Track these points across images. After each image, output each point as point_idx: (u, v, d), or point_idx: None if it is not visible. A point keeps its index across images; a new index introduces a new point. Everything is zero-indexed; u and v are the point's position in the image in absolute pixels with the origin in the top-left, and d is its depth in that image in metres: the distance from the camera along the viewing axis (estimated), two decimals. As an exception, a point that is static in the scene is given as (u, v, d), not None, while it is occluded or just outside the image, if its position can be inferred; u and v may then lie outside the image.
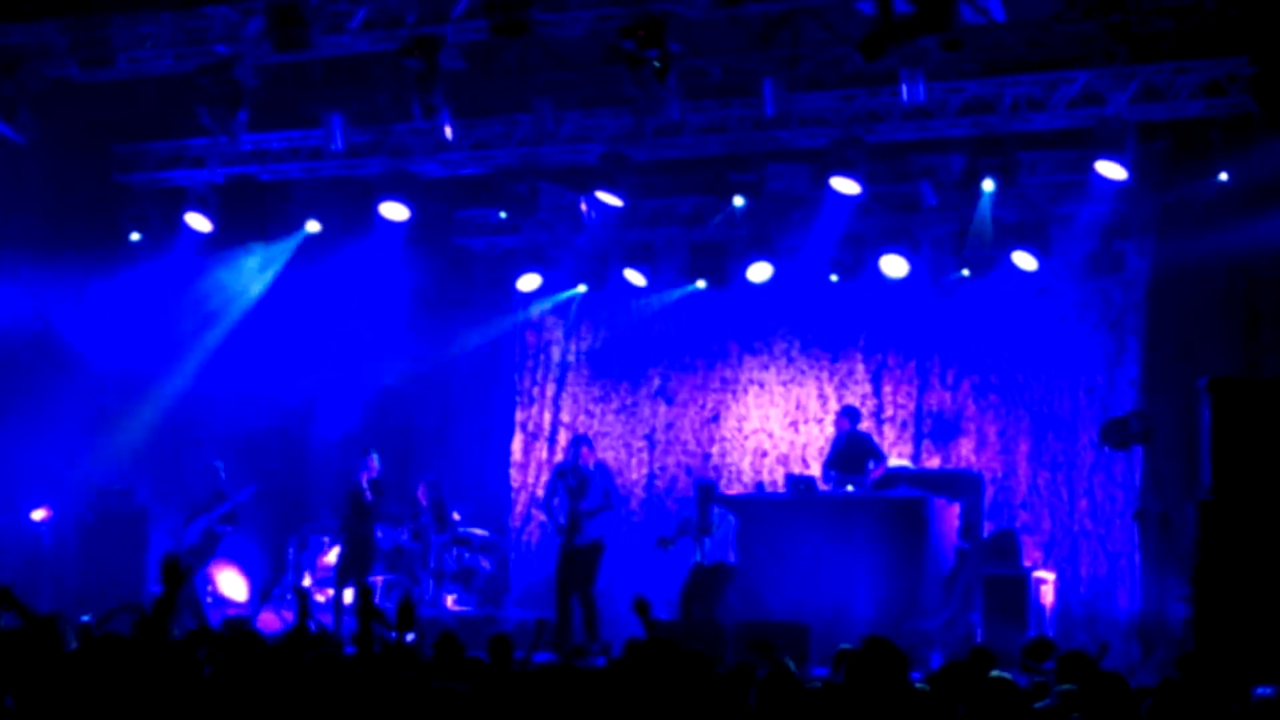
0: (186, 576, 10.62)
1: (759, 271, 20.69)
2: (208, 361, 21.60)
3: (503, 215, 21.34)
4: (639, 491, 21.92)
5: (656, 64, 15.36)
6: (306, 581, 20.58)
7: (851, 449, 19.26)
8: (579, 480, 18.41)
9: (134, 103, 19.40)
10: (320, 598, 19.93)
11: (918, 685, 9.49)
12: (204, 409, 21.48)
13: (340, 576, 19.38)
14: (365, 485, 19.34)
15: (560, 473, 18.80)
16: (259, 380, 21.83)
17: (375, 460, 19.53)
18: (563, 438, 22.36)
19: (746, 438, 21.82)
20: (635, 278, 21.45)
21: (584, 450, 18.60)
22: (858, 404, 20.69)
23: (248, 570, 21.35)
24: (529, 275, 21.91)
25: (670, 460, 22.17)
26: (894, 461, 19.75)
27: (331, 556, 20.63)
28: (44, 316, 19.91)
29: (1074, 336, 20.12)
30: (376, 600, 19.51)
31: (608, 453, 21.43)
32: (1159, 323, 19.43)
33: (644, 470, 22.09)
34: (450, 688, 8.35)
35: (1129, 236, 19.26)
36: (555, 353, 23.02)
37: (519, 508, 22.75)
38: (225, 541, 20.05)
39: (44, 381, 19.93)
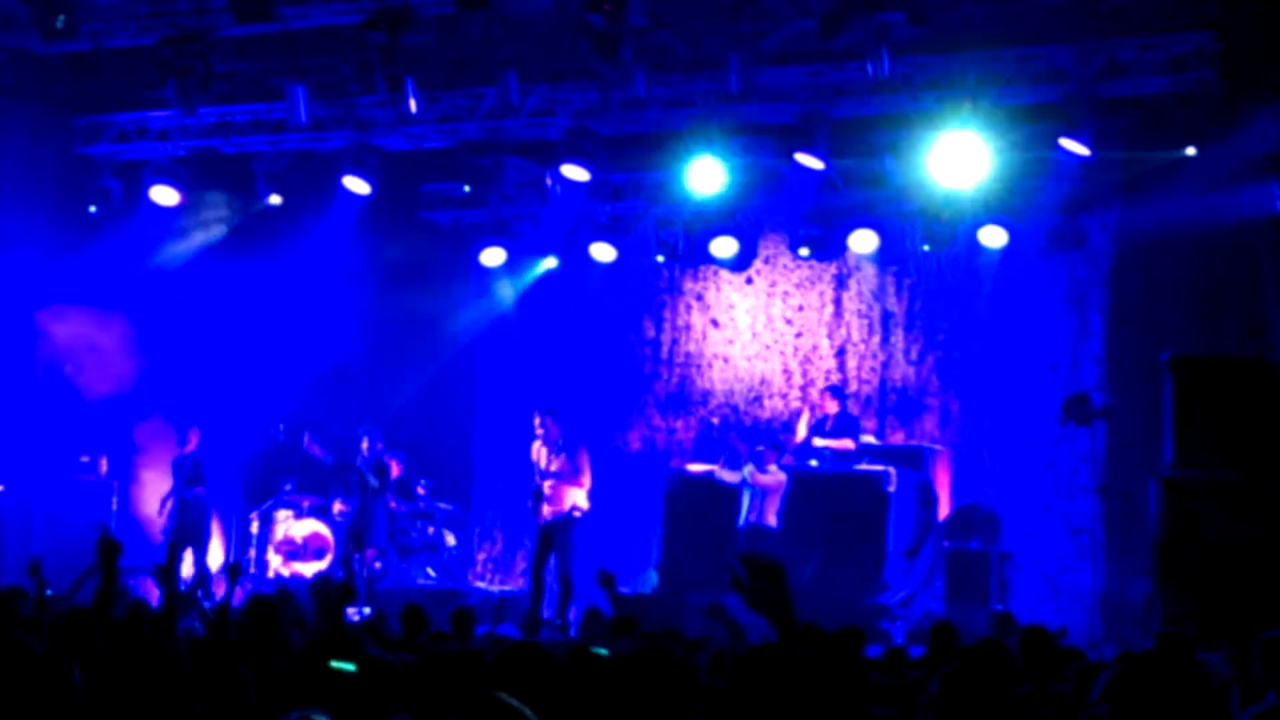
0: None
1: (723, 246, 20.68)
2: (168, 334, 21.50)
3: (467, 189, 21.26)
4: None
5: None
6: (268, 558, 20.63)
7: (842, 429, 19.35)
8: (548, 453, 18.24)
9: (96, 75, 19.31)
10: (285, 571, 20.00)
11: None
12: (167, 382, 21.37)
13: (344, 550, 19.41)
14: (367, 469, 19.28)
15: (533, 445, 18.63)
16: (221, 354, 21.73)
17: (368, 443, 19.50)
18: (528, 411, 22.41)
19: (711, 411, 21.82)
20: (602, 252, 21.41)
21: (550, 422, 18.42)
22: (821, 380, 20.76)
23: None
24: (492, 249, 21.84)
25: (634, 435, 22.18)
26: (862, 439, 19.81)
27: (292, 529, 20.68)
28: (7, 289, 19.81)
29: (1038, 312, 20.14)
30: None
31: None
32: (1123, 299, 19.46)
33: (604, 446, 22.09)
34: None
35: (1092, 213, 19.27)
36: (520, 327, 22.98)
37: (483, 481, 22.73)
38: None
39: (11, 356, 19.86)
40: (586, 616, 12.99)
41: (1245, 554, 15.38)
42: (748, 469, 18.14)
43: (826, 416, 19.56)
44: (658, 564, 19.53)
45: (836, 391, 19.89)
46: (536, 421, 18.30)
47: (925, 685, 7.26)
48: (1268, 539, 15.36)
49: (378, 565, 19.57)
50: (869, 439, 19.98)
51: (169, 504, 19.42)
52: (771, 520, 17.97)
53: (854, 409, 20.16)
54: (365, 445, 19.48)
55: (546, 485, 18.01)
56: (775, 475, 18.11)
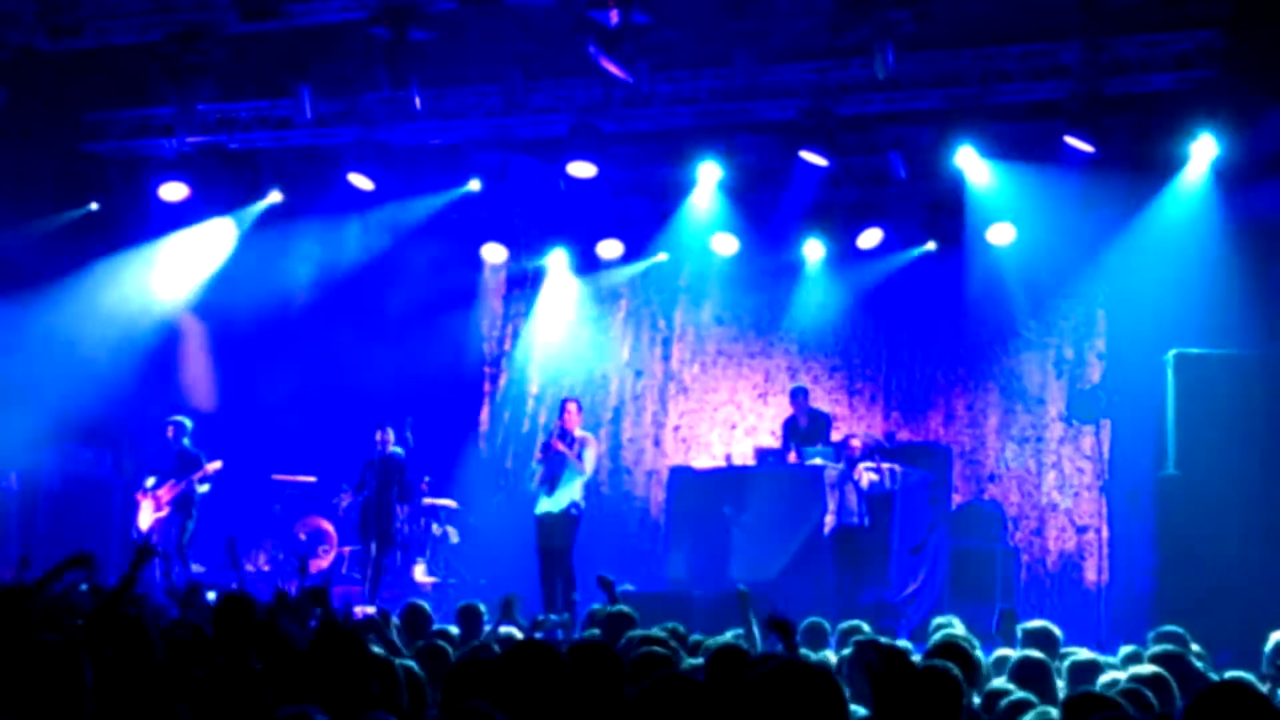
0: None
1: (725, 244, 20.71)
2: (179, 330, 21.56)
3: (476, 186, 21.23)
4: (606, 461, 21.89)
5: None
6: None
7: (814, 426, 19.33)
8: (560, 443, 18.09)
9: (102, 71, 19.31)
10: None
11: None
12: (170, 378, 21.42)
13: (362, 546, 19.24)
14: (384, 460, 19.17)
15: (545, 437, 18.48)
16: (226, 348, 21.78)
17: (385, 434, 19.38)
18: (530, 407, 22.43)
19: (715, 410, 21.84)
20: (607, 249, 21.43)
21: (575, 411, 18.25)
22: (826, 376, 20.80)
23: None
24: (494, 245, 21.85)
25: (639, 432, 22.20)
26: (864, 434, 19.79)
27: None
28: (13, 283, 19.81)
29: (1042, 309, 20.13)
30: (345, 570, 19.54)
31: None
32: (1128, 296, 19.43)
33: (609, 443, 22.09)
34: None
35: (1098, 209, 19.25)
36: (523, 323, 22.99)
37: (487, 477, 22.75)
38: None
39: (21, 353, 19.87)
40: (588, 617, 12.97)
41: (1250, 551, 15.40)
42: (864, 466, 17.83)
43: (795, 417, 19.58)
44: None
45: (803, 391, 19.90)
46: (572, 408, 18.14)
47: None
48: (1272, 535, 15.38)
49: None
50: (873, 434, 19.96)
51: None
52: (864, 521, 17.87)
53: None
54: (381, 438, 19.29)
55: (544, 473, 17.88)
56: (870, 475, 17.89)
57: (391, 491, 19.07)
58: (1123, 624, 17.52)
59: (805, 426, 19.41)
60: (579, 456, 17.75)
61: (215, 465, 19.40)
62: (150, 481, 19.54)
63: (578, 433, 17.94)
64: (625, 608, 11.51)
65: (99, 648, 7.99)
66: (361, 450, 19.40)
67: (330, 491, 20.51)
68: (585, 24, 15.72)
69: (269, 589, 16.33)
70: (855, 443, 18.00)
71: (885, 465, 17.72)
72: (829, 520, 17.63)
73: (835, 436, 19.39)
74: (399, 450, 19.25)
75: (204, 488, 19.47)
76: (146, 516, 19.35)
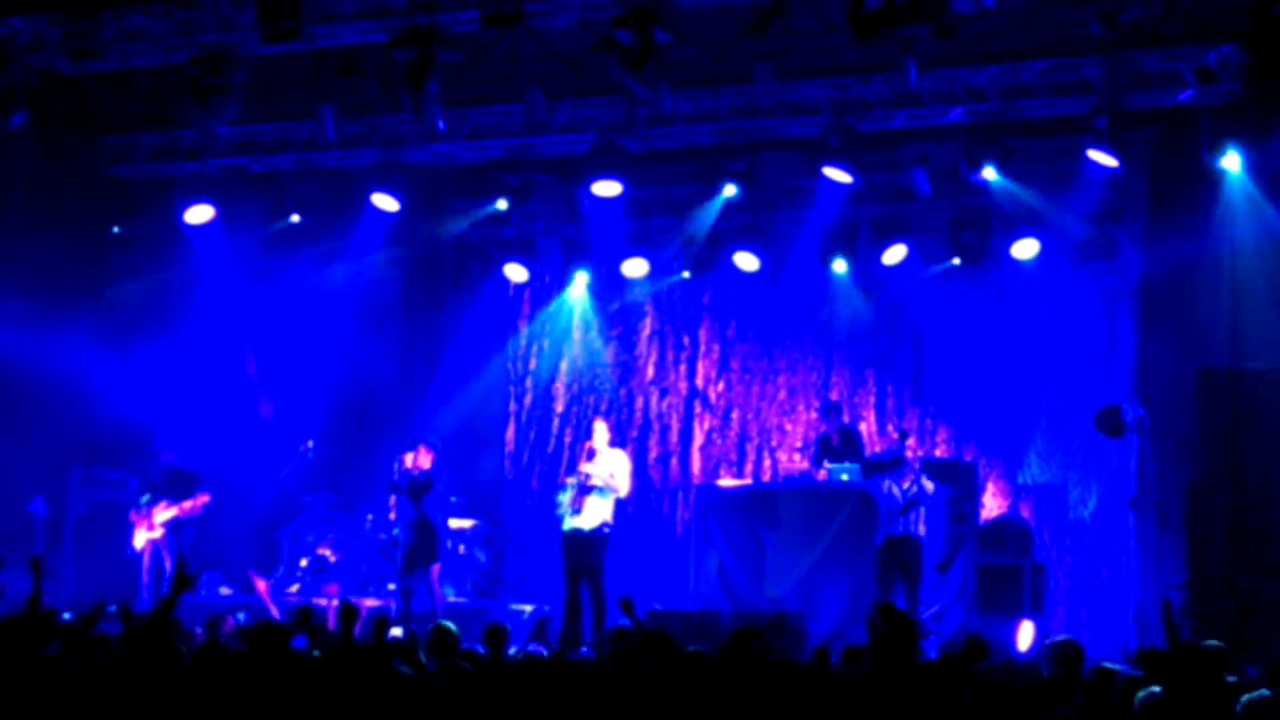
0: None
1: (748, 261, 20.72)
2: (200, 349, 21.59)
3: (502, 205, 21.22)
4: (632, 481, 21.80)
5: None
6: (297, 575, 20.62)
7: (846, 443, 19.29)
8: (588, 460, 18.11)
9: (125, 94, 19.37)
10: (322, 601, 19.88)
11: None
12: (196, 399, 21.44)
13: (407, 566, 19.06)
14: (418, 475, 19.09)
15: (578, 455, 18.49)
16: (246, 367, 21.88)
17: (417, 454, 19.29)
18: (555, 427, 22.43)
19: (740, 427, 21.81)
20: (631, 268, 21.42)
21: (598, 431, 18.27)
22: (851, 392, 20.78)
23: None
24: (517, 265, 21.88)
25: (665, 450, 22.16)
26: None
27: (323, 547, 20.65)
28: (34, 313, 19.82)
29: (1068, 323, 20.08)
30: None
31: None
32: (1153, 309, 19.37)
33: (635, 462, 22.04)
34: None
35: (1121, 223, 19.20)
36: (547, 342, 22.98)
37: (513, 497, 22.73)
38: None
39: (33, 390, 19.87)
40: (613, 635, 12.92)
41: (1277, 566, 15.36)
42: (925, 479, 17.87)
43: (828, 433, 19.57)
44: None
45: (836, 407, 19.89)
46: (601, 426, 18.19)
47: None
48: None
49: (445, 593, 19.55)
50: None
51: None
52: (921, 530, 17.88)
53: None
54: (412, 460, 19.21)
55: (575, 494, 17.89)
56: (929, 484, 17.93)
57: (432, 510, 19.00)
58: (1151, 640, 17.46)
59: (838, 444, 19.36)
60: (611, 475, 17.77)
61: (203, 500, 19.35)
62: (145, 498, 19.54)
63: (608, 451, 17.96)
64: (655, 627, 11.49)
65: (135, 673, 8.01)
66: (383, 470, 19.43)
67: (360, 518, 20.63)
68: (607, 42, 15.74)
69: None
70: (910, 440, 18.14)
71: (909, 480, 17.73)
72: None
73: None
74: (423, 469, 19.25)
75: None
76: (140, 537, 19.36)
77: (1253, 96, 16.58)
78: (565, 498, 17.95)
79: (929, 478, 17.95)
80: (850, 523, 18.29)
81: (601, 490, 17.75)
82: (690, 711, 8.16)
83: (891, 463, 18.54)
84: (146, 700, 7.65)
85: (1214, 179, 17.63)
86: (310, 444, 20.76)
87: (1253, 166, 17.19)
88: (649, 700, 8.39)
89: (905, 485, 17.64)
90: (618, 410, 22.21)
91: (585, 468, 17.83)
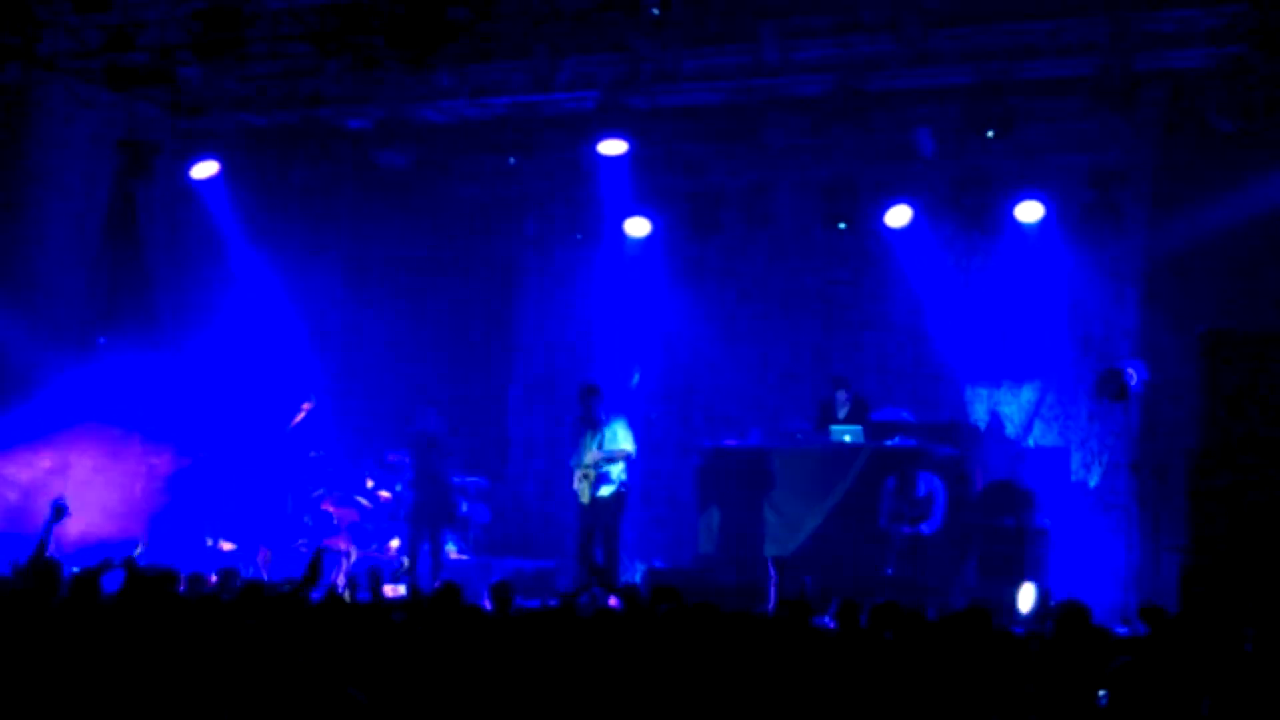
0: None
1: (752, 219, 20.68)
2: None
3: (511, 161, 21.15)
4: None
5: (655, 11, 15.33)
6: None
7: (855, 409, 19.33)
8: (594, 428, 18.31)
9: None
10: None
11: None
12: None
13: (414, 523, 19.14)
14: (425, 432, 19.15)
15: (577, 421, 18.68)
16: (260, 333, 21.88)
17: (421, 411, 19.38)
18: (558, 386, 22.44)
19: (743, 388, 21.80)
20: (635, 227, 21.37)
21: (593, 400, 18.45)
22: (855, 352, 20.81)
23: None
24: (523, 223, 21.85)
25: (667, 409, 22.16)
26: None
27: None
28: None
29: (1071, 286, 20.06)
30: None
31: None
32: (1157, 272, 19.35)
33: (637, 422, 22.06)
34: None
35: (1126, 185, 19.14)
36: (552, 303, 22.97)
37: (516, 455, 22.77)
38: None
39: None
40: (625, 592, 13.04)
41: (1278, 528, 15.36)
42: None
43: (833, 400, 19.59)
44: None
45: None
46: (579, 396, 18.36)
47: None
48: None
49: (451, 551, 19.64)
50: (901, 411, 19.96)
51: None
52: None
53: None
54: (419, 418, 19.27)
55: (588, 467, 18.11)
56: None
57: (443, 468, 19.08)
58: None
59: (848, 415, 19.33)
60: (614, 438, 18.00)
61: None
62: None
63: (609, 426, 18.18)
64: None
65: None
66: (393, 428, 19.46)
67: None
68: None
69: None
70: None
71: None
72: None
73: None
74: (431, 428, 19.32)
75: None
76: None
77: (1263, 59, 16.51)
78: (583, 486, 18.16)
79: (938, 478, 18.12)
80: (856, 486, 18.36)
81: (612, 462, 17.97)
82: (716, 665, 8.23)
83: (895, 425, 18.61)
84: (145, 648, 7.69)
85: (1222, 142, 17.59)
86: (311, 403, 20.74)
87: (1261, 129, 17.14)
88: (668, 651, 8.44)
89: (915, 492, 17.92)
90: (621, 370, 22.19)
91: (592, 457, 18.05)
